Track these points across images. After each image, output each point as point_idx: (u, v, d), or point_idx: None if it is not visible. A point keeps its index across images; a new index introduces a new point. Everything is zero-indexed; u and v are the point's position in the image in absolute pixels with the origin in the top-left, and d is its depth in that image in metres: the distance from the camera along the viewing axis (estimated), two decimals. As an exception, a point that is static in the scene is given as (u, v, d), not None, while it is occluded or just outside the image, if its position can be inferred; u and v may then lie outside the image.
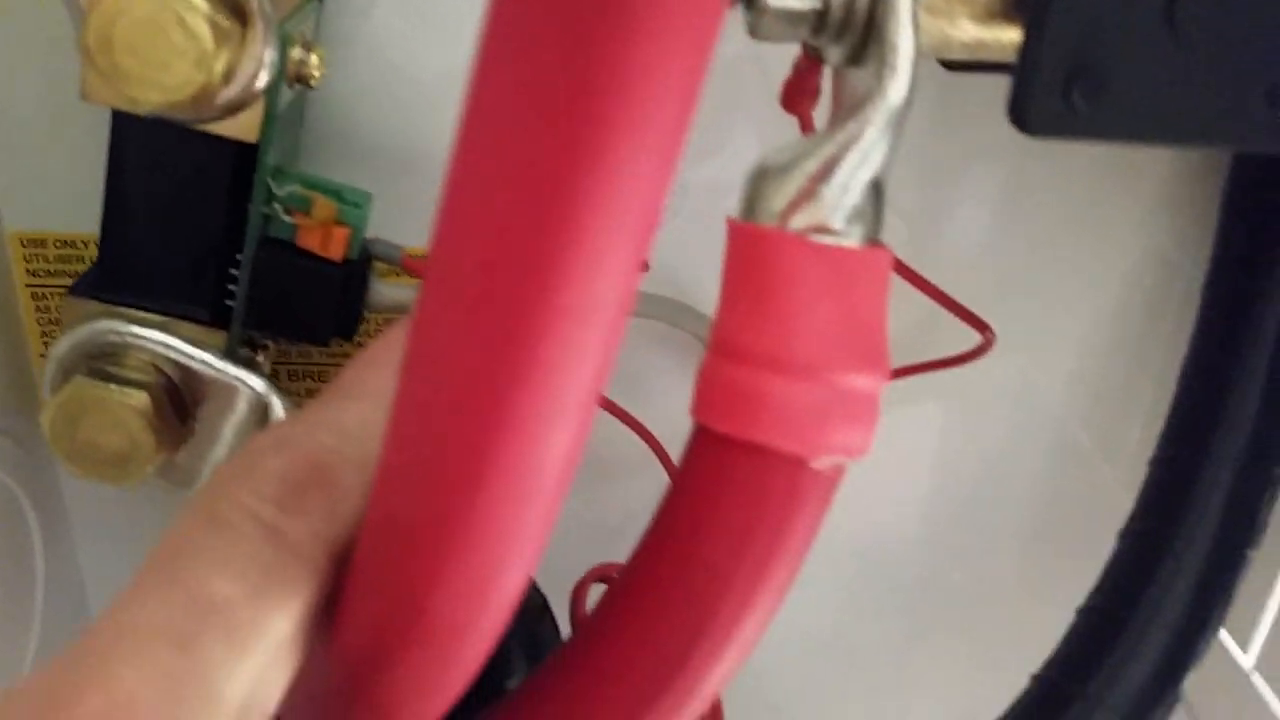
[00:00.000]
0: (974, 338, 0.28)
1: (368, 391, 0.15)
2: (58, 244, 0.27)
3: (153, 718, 0.11)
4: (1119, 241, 0.31)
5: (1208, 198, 0.29)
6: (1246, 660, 0.28)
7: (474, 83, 0.12)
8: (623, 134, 0.11)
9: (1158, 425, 0.27)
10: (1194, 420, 0.25)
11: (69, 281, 0.27)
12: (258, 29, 0.19)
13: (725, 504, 0.16)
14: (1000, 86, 0.19)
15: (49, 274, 0.27)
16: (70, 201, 0.27)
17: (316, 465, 0.14)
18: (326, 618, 0.14)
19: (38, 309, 0.28)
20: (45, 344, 0.28)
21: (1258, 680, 0.28)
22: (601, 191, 0.11)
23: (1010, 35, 0.17)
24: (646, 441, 0.30)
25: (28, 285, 0.27)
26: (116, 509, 0.30)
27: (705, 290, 0.28)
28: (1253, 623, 0.28)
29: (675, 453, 0.30)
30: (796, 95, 0.21)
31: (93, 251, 0.27)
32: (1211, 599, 0.24)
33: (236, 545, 0.13)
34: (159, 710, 0.11)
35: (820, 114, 0.21)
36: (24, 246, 0.27)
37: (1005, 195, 0.30)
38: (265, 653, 0.13)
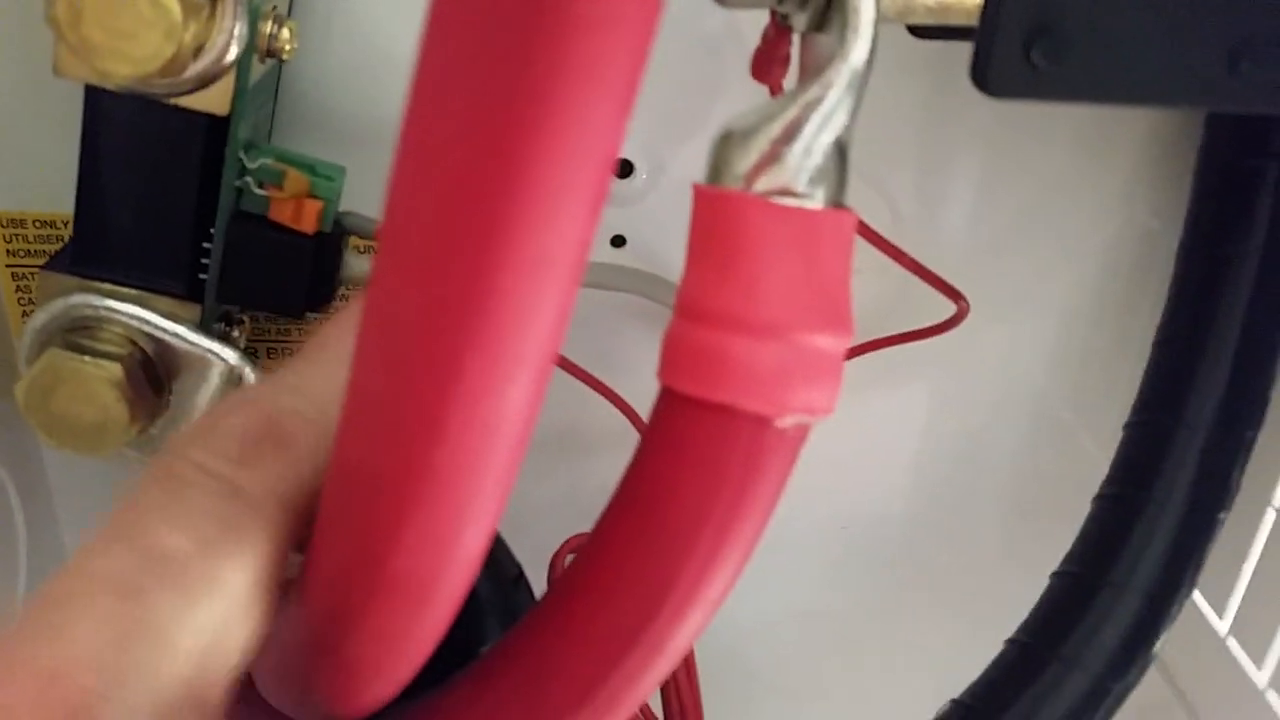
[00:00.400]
0: (951, 309, 0.28)
1: (330, 356, 0.15)
2: (37, 224, 0.27)
3: (102, 666, 0.11)
4: (1098, 213, 0.31)
5: (1185, 169, 0.29)
6: (1222, 625, 0.29)
7: (424, 35, 0.12)
8: (571, 82, 0.11)
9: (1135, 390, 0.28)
10: (1167, 385, 0.25)
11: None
12: (227, 2, 0.19)
13: (689, 463, 0.17)
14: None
15: (28, 254, 0.27)
16: (49, 181, 0.27)
17: (274, 423, 0.14)
18: (294, 573, 0.14)
19: (18, 289, 0.28)
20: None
21: (1233, 644, 0.28)
22: (550, 143, 0.11)
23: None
24: (625, 414, 0.30)
25: (7, 265, 0.27)
26: (100, 487, 0.30)
27: (679, 263, 0.28)
28: (1228, 588, 0.28)
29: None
30: (766, 64, 0.21)
31: (70, 231, 0.27)
32: (1184, 562, 0.24)
33: (189, 500, 0.13)
34: (108, 658, 0.12)
35: (790, 83, 0.22)
36: (3, 227, 0.27)
37: (985, 169, 0.30)
38: (221, 604, 0.13)
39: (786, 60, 0.22)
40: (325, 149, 0.25)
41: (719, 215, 0.17)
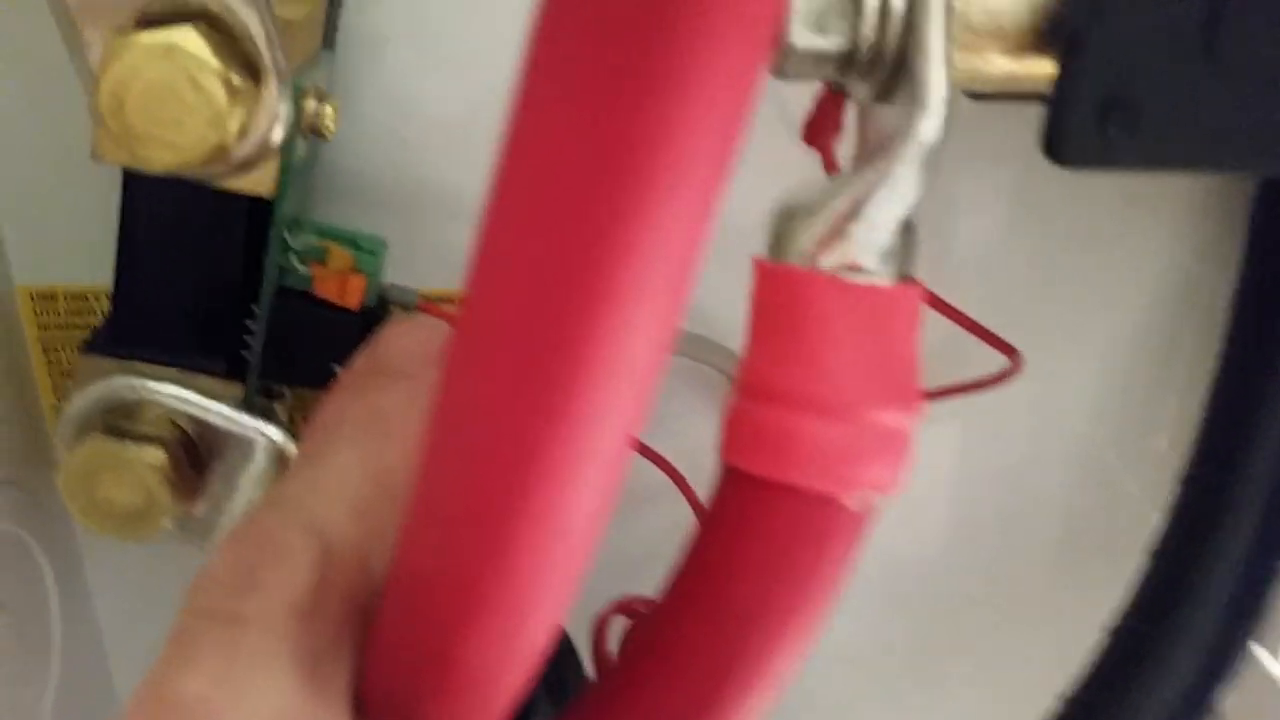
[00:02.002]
0: (995, 355, 0.27)
1: (308, 455, 0.15)
2: (68, 297, 0.27)
3: None
4: (1140, 255, 0.30)
5: (1229, 211, 0.29)
6: (1277, 668, 0.28)
7: (512, 135, 0.12)
8: (663, 191, 0.11)
9: (1182, 437, 0.27)
10: (1225, 438, 0.24)
11: (80, 334, 0.27)
12: (271, 84, 0.18)
13: (757, 545, 0.16)
14: (1018, 106, 0.19)
15: (59, 327, 0.27)
16: (78, 254, 0.26)
17: (264, 543, 0.14)
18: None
19: (49, 361, 0.27)
20: (57, 395, 0.28)
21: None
22: (640, 248, 0.11)
23: (1041, 68, 0.17)
24: (667, 473, 0.30)
25: (38, 339, 0.27)
26: (133, 560, 0.30)
27: (721, 323, 0.27)
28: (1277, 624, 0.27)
29: (696, 483, 0.30)
30: (819, 130, 0.21)
31: (104, 304, 0.27)
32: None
33: (196, 644, 0.13)
34: None
35: (843, 149, 0.21)
36: (33, 301, 0.27)
37: (1022, 211, 0.30)
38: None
39: (840, 126, 0.21)
40: (362, 217, 0.25)
41: (784, 292, 0.16)
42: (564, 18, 0.11)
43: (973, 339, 0.27)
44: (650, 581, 0.30)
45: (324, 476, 0.15)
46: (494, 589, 0.12)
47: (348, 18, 0.24)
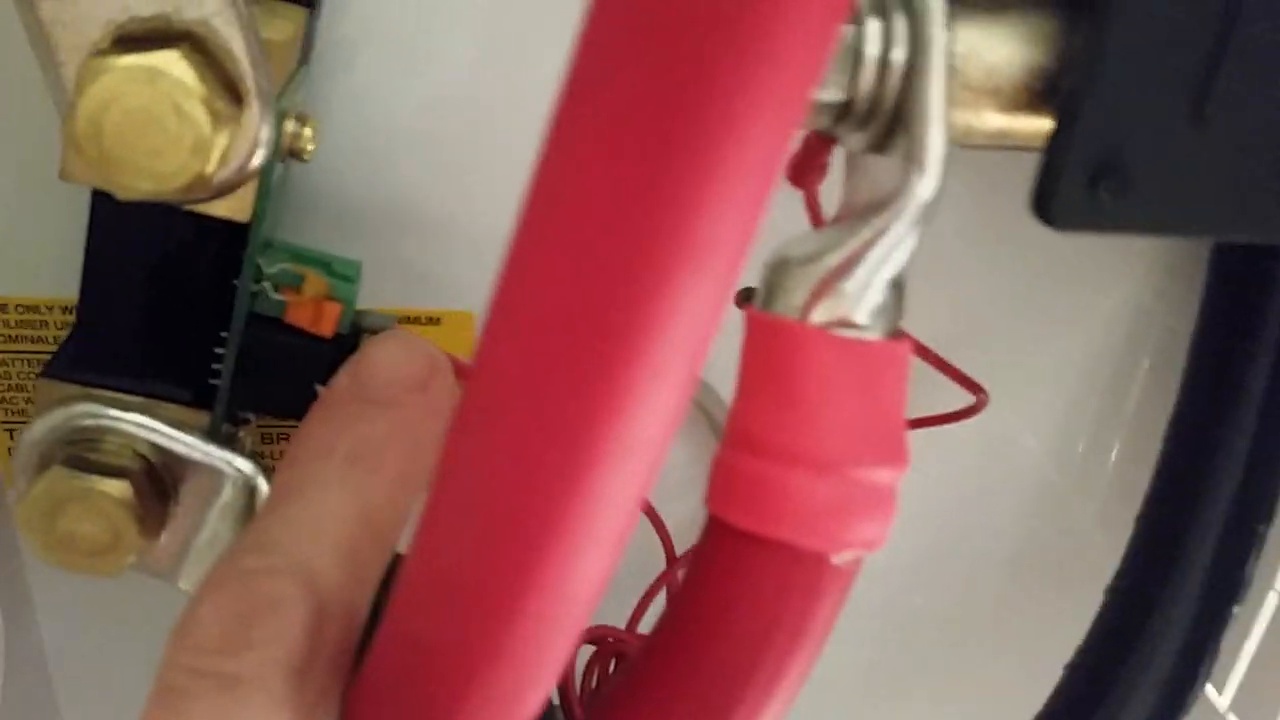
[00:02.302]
0: (949, 383, 0.28)
1: (290, 491, 0.14)
2: (19, 309, 0.26)
3: None
4: (1096, 289, 0.31)
5: (1183, 248, 0.29)
6: (1221, 702, 0.29)
7: (532, 197, 0.11)
8: (686, 268, 0.11)
9: (1131, 464, 0.28)
10: (1182, 480, 0.25)
11: (30, 347, 0.26)
12: (254, 108, 0.18)
13: (745, 601, 0.16)
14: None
15: (9, 339, 0.26)
16: (31, 264, 0.25)
17: (246, 593, 0.13)
18: None
19: (-4, 375, 0.26)
20: (5, 410, 0.27)
21: (1232, 720, 0.29)
22: (662, 328, 0.11)
23: (1034, 125, 0.17)
24: (645, 514, 0.30)
25: (-15, 351, 0.26)
26: (80, 581, 0.29)
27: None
28: (1228, 666, 0.28)
29: (662, 507, 0.30)
30: (804, 171, 0.21)
31: (56, 317, 0.26)
32: (1199, 654, 0.24)
33: (188, 708, 0.13)
34: None
35: (826, 187, 0.21)
36: (-19, 311, 0.26)
37: (981, 242, 0.30)
38: None
39: (825, 169, 0.21)
40: (333, 236, 0.24)
41: (775, 344, 0.16)
42: (595, 87, 0.11)
43: (927, 373, 0.28)
44: (614, 608, 0.30)
45: (310, 516, 0.14)
46: (497, 663, 0.12)
47: (320, 31, 0.23)
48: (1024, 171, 0.19)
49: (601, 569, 0.12)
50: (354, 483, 0.14)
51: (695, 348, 0.11)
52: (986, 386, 0.29)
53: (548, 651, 0.12)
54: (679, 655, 0.17)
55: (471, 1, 0.24)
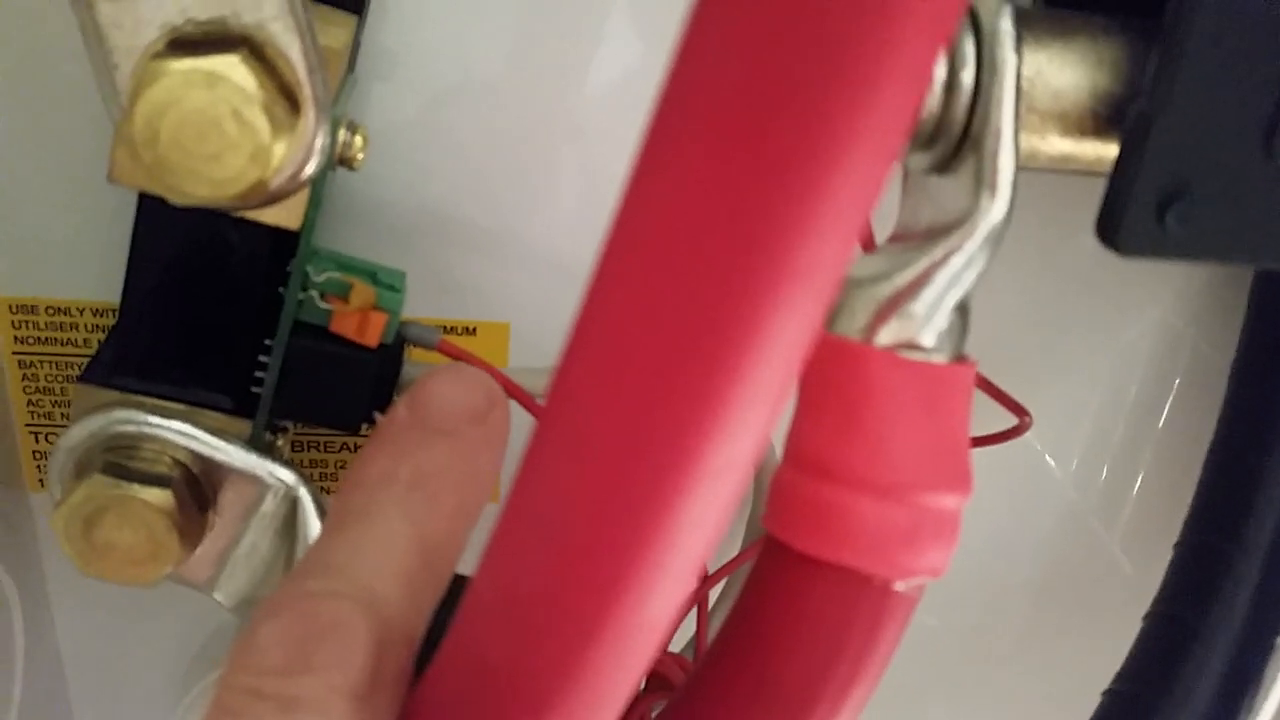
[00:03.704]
0: (985, 402, 0.28)
1: (351, 515, 0.14)
2: (49, 310, 0.25)
3: None
4: (1125, 313, 0.31)
5: (1214, 274, 0.29)
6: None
7: (621, 237, 0.11)
8: (785, 293, 0.11)
9: (1156, 488, 0.28)
10: (1224, 508, 0.25)
11: (60, 349, 0.26)
12: (310, 115, 0.18)
13: (808, 626, 0.16)
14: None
15: (39, 341, 0.26)
16: (63, 267, 0.25)
17: (313, 616, 0.13)
18: None
19: (25, 377, 0.26)
20: (32, 413, 0.26)
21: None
22: (757, 358, 0.11)
23: (1098, 150, 0.17)
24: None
25: (14, 353, 0.26)
26: (99, 585, 0.29)
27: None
28: (1265, 695, 0.28)
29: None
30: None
31: (87, 319, 0.25)
32: (1241, 685, 0.24)
33: None
34: None
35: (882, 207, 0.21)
36: (12, 313, 0.25)
37: (1010, 265, 0.30)
38: None
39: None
40: (373, 243, 0.24)
41: (838, 365, 0.16)
42: (690, 113, 0.11)
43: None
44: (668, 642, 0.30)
45: (371, 541, 0.14)
46: (569, 691, 0.12)
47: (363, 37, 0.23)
48: (1056, 193, 0.19)
49: (678, 598, 0.12)
50: (414, 510, 0.14)
51: (788, 372, 0.11)
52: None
53: (621, 678, 0.12)
54: (738, 680, 0.17)
55: (510, 11, 0.24)
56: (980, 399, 0.28)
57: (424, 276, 0.25)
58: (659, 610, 0.12)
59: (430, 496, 0.14)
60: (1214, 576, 0.24)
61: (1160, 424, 0.32)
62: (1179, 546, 0.26)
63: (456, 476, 0.15)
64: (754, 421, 0.11)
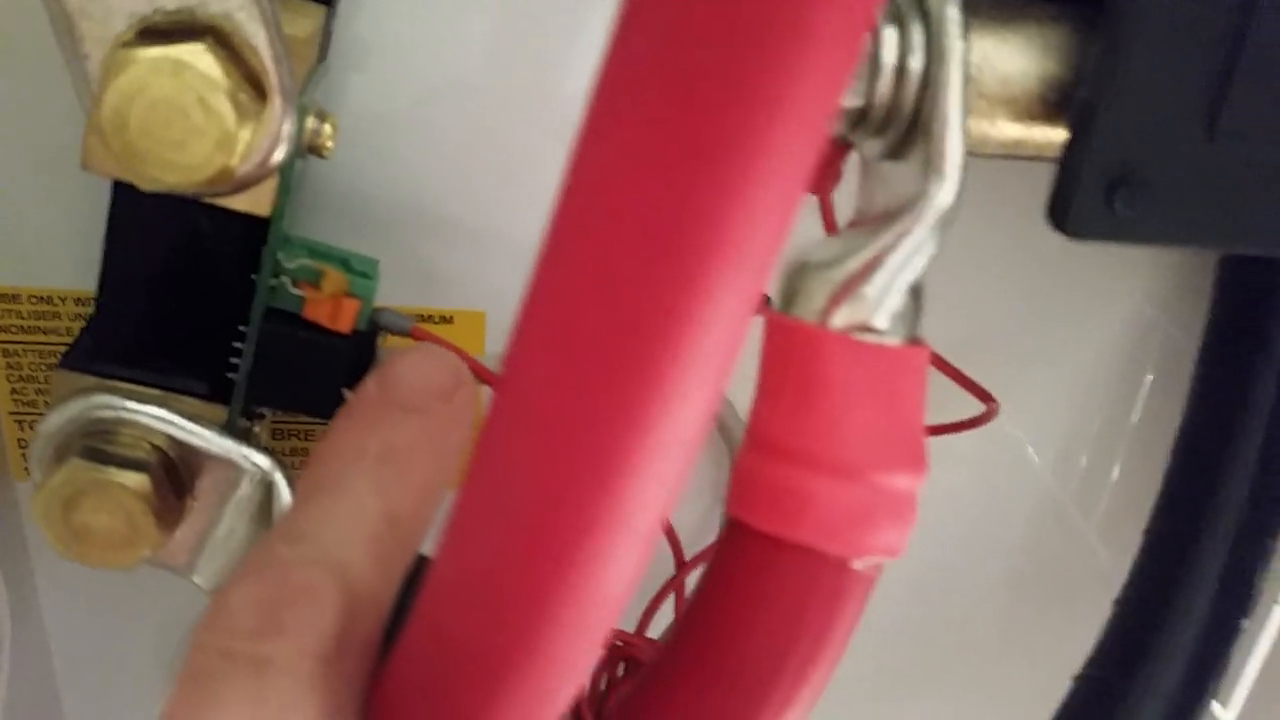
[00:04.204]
0: (959, 391, 0.28)
1: (321, 487, 0.14)
2: (32, 299, 0.26)
3: None
4: (1101, 300, 0.31)
5: (1189, 262, 0.30)
6: (1227, 715, 0.29)
7: (567, 197, 0.12)
8: (727, 266, 0.11)
9: (1132, 479, 0.28)
10: (1190, 493, 0.25)
11: (43, 338, 0.26)
12: (276, 103, 0.18)
13: (768, 605, 0.16)
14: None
15: (22, 330, 0.26)
16: (45, 256, 0.25)
17: (285, 581, 0.13)
18: None
19: (8, 366, 0.26)
20: (15, 401, 0.27)
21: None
22: (700, 328, 0.11)
23: (1047, 135, 0.18)
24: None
25: (-1, 341, 0.26)
26: (85, 573, 0.29)
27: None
28: (1233, 680, 0.28)
29: (673, 517, 0.30)
30: (819, 176, 0.21)
31: (70, 308, 0.26)
32: (1207, 669, 0.24)
33: (219, 691, 0.13)
34: None
35: (841, 192, 0.22)
36: (-4, 302, 0.26)
37: (984, 255, 0.30)
38: None
39: (839, 175, 0.21)
40: (347, 232, 0.25)
41: (795, 348, 0.17)
42: (629, 85, 0.11)
43: (937, 376, 0.28)
44: (625, 613, 0.30)
45: (341, 512, 0.14)
46: (529, 662, 0.12)
47: (337, 26, 0.23)
48: (1029, 183, 0.19)
49: (633, 570, 0.12)
50: (383, 483, 0.14)
51: (729, 350, 0.11)
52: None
53: (578, 652, 0.12)
54: (701, 659, 0.17)
55: (487, 1, 0.24)
56: (955, 390, 0.28)
57: (402, 266, 0.26)
58: (611, 581, 0.12)
59: (398, 471, 0.15)
60: (1181, 562, 0.24)
61: (1136, 412, 0.32)
62: (1148, 533, 0.26)
63: (424, 452, 0.15)
64: (697, 396, 0.11)
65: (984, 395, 0.26)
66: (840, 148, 0.21)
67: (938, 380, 0.27)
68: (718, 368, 0.11)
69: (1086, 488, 0.33)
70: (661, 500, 0.12)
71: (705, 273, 0.11)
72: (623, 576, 0.12)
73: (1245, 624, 0.24)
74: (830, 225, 0.24)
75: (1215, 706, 0.29)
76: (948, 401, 0.27)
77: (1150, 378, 0.31)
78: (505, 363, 0.12)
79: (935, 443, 0.32)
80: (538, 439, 0.11)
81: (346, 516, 0.14)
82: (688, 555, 0.29)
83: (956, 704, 0.36)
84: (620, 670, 0.28)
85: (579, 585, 0.12)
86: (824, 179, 0.22)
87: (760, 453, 0.16)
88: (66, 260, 0.25)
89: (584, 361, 0.11)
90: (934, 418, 0.28)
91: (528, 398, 0.11)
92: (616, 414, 0.11)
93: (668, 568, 0.30)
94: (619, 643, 0.28)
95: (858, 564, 0.17)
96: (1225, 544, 0.24)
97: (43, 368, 0.26)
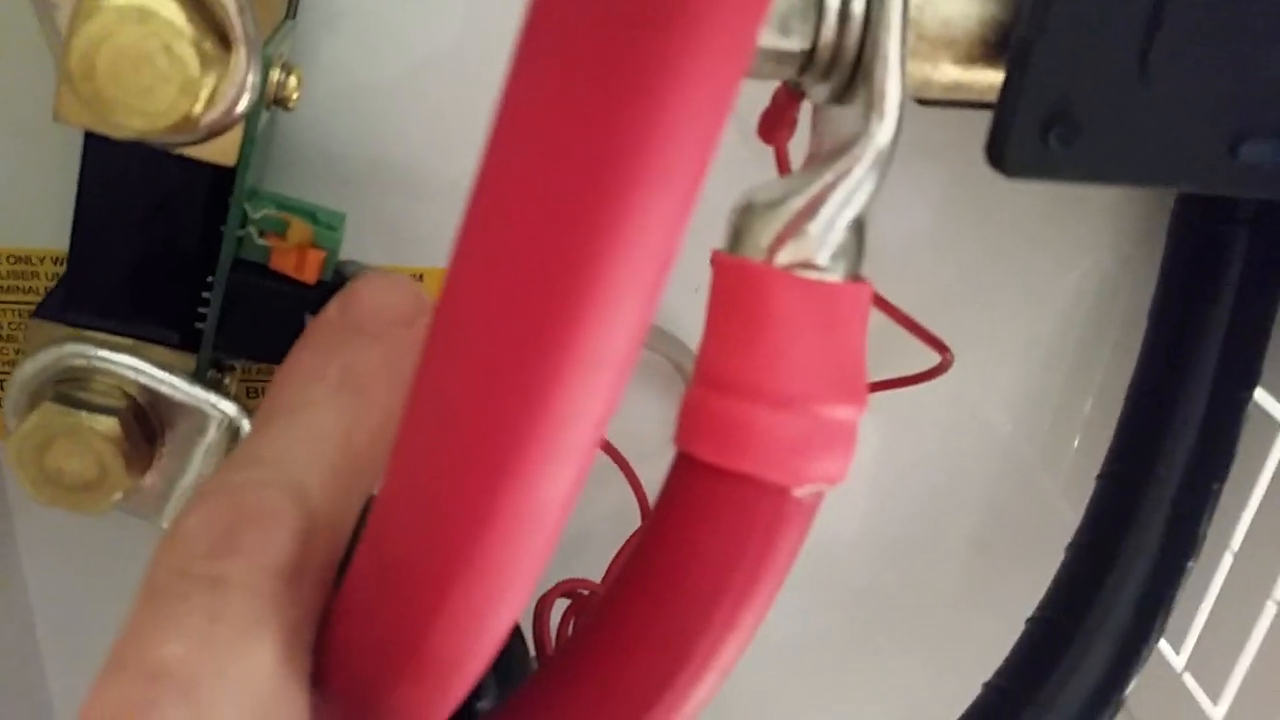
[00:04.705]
0: (920, 349, 0.29)
1: (280, 410, 0.14)
2: (10, 259, 0.26)
3: None
4: (1063, 258, 0.32)
5: (1149, 217, 0.30)
6: (1179, 661, 0.30)
7: (496, 131, 0.12)
8: (652, 188, 0.11)
9: (1097, 436, 0.29)
10: (1140, 440, 0.26)
11: (21, 297, 0.27)
12: (241, 53, 0.19)
13: (710, 532, 0.17)
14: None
15: (0, 289, 0.26)
16: (22, 215, 0.26)
17: (241, 503, 0.13)
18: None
19: (-14, 324, 0.27)
20: (-6, 359, 0.27)
21: (1189, 680, 0.29)
22: (622, 246, 0.11)
23: (989, 77, 0.18)
24: (608, 454, 0.30)
25: (-24, 301, 0.27)
26: (62, 522, 0.30)
27: (671, 312, 0.28)
28: (1185, 626, 0.29)
29: (637, 465, 0.31)
30: (774, 126, 0.22)
31: (48, 268, 0.26)
32: (1154, 610, 0.25)
33: (174, 607, 0.13)
34: None
35: (795, 144, 0.22)
36: (-27, 262, 0.26)
37: (950, 209, 0.31)
38: (247, 696, 0.12)
39: (794, 124, 0.22)
40: (319, 191, 0.25)
41: (741, 285, 0.17)
42: (554, 22, 0.11)
43: (898, 332, 0.28)
44: (589, 563, 0.31)
45: (299, 435, 0.14)
46: (469, 577, 0.12)
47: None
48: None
49: (568, 483, 0.12)
50: (342, 407, 0.14)
51: (656, 266, 0.12)
52: (957, 360, 0.30)
53: (517, 566, 0.13)
54: (647, 586, 0.17)
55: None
56: (913, 350, 0.29)
57: (374, 224, 0.26)
58: (546, 494, 0.12)
59: (358, 395, 0.15)
60: (1129, 506, 0.25)
61: (1099, 372, 0.33)
62: (1100, 478, 0.27)
63: (384, 378, 0.15)
64: (625, 312, 0.12)
65: (939, 346, 0.27)
66: (793, 96, 0.21)
67: (900, 341, 0.28)
68: (647, 282, 0.12)
69: (1051, 449, 0.34)
70: (594, 413, 0.12)
71: (628, 191, 0.11)
72: (558, 488, 0.12)
73: (1190, 565, 0.25)
74: (786, 173, 0.24)
75: (1168, 652, 0.30)
76: (912, 360, 0.28)
77: (1113, 338, 0.32)
78: (442, 286, 0.12)
79: (901, 406, 0.33)
80: (471, 357, 0.12)
81: (304, 439, 0.14)
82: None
83: (923, 657, 0.37)
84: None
85: (514, 498, 0.12)
86: (779, 129, 0.22)
87: (706, 386, 0.17)
88: (43, 220, 0.26)
89: (512, 280, 0.11)
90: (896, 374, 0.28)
91: (460, 317, 0.12)
92: (544, 329, 0.11)
93: (635, 520, 0.30)
94: (584, 591, 0.29)
95: (798, 491, 0.17)
96: (1172, 489, 0.25)
97: (21, 327, 0.27)
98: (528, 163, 0.12)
